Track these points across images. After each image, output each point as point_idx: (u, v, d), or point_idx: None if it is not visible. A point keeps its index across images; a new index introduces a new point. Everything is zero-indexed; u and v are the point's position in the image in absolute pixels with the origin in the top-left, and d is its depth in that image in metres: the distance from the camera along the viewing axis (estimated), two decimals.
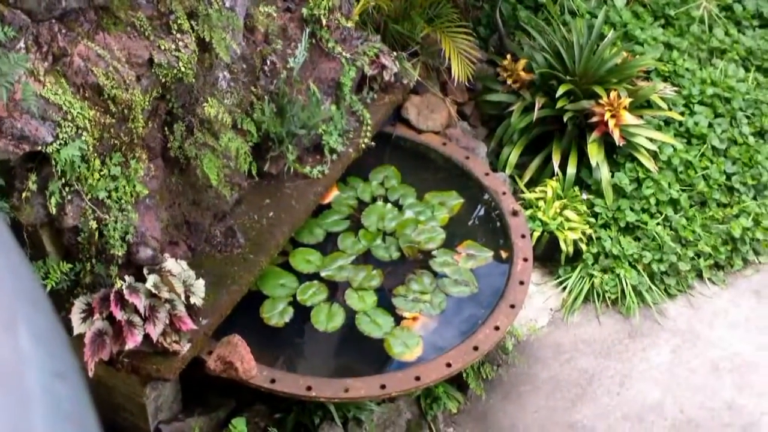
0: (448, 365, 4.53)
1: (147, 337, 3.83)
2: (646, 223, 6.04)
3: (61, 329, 0.89)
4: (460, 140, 6.02)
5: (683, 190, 6.23)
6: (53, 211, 3.52)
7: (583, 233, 5.92)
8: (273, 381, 4.32)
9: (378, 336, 4.72)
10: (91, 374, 3.73)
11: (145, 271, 3.94)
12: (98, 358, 3.76)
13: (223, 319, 4.33)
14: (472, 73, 6.05)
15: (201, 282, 4.12)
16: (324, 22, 5.14)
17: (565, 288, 5.97)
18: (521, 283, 5.01)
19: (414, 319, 4.83)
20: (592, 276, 5.94)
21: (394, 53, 5.78)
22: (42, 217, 3.59)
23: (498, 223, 5.46)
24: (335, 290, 4.93)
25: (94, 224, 3.67)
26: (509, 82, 6.40)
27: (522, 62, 6.39)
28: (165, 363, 4.00)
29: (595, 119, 6.00)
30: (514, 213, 5.42)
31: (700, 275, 6.16)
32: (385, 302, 4.89)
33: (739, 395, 5.46)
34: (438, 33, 6.02)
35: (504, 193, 5.58)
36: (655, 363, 5.63)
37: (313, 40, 5.18)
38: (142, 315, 3.82)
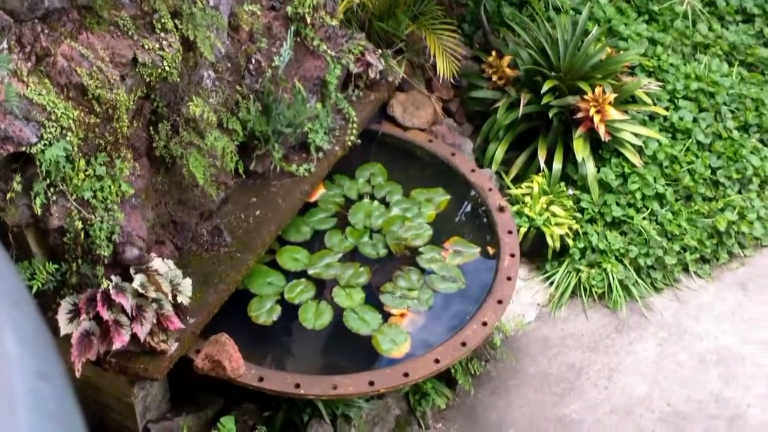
0: (437, 361, 4.54)
1: (134, 336, 3.83)
2: (632, 218, 6.06)
3: (46, 330, 0.89)
4: (446, 137, 6.03)
5: (669, 185, 6.25)
6: (38, 211, 3.51)
7: (570, 228, 5.94)
8: (261, 379, 4.32)
9: (366, 333, 4.72)
10: (78, 375, 3.72)
11: (131, 271, 3.94)
12: (85, 359, 3.75)
13: (210, 318, 4.33)
14: (457, 69, 6.06)
15: (188, 281, 4.11)
16: (309, 20, 5.14)
17: (552, 283, 5.99)
18: (508, 278, 5.03)
19: (402, 315, 4.83)
20: (578, 271, 5.96)
21: (379, 51, 5.78)
22: (27, 218, 3.58)
23: (485, 219, 5.47)
24: (323, 288, 4.93)
25: (79, 224, 3.66)
26: (494, 78, 6.41)
27: (507, 59, 6.40)
28: (153, 362, 4.00)
29: (580, 115, 6.02)
30: (501, 209, 5.43)
31: (686, 269, 6.19)
32: (372, 299, 4.90)
33: (725, 388, 5.49)
34: (423, 30, 6.02)
35: (490, 190, 5.58)
36: (642, 356, 5.66)
37: (298, 39, 5.18)
38: (129, 315, 3.82)
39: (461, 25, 6.82)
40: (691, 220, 6.18)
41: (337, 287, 4.93)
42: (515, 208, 5.91)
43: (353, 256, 5.14)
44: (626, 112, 6.24)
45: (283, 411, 4.69)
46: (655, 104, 6.52)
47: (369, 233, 5.27)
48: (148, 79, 3.86)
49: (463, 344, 4.64)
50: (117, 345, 3.78)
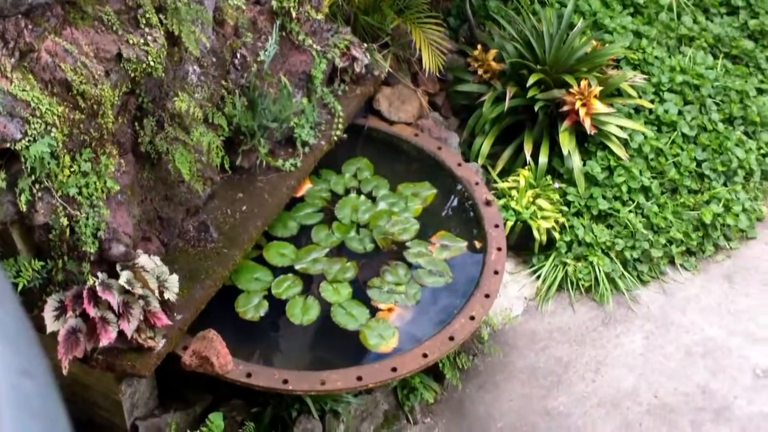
0: (424, 356, 4.54)
1: (121, 333, 3.81)
2: (618, 211, 6.08)
3: (29, 327, 0.88)
4: (432, 131, 6.03)
5: (654, 178, 6.27)
6: (23, 208, 3.49)
7: (556, 222, 5.95)
8: (249, 375, 4.31)
9: (353, 328, 4.72)
10: (65, 372, 3.70)
11: (118, 268, 3.92)
12: (72, 356, 3.74)
13: (197, 314, 4.32)
14: (442, 63, 6.06)
15: (175, 277, 4.10)
16: (294, 14, 5.13)
17: (539, 276, 6.00)
18: (495, 272, 5.03)
19: (389, 310, 4.83)
20: (565, 264, 5.97)
21: (365, 45, 5.77)
22: (12, 215, 3.56)
23: (471, 213, 5.48)
24: (310, 283, 4.93)
25: (65, 221, 3.64)
26: (480, 72, 6.41)
27: (492, 52, 6.40)
28: (140, 359, 3.99)
29: (566, 108, 6.03)
30: (487, 203, 5.44)
31: (672, 261, 6.21)
32: (360, 294, 4.90)
33: (712, 380, 5.51)
34: (408, 24, 6.02)
35: (477, 183, 5.59)
36: (629, 349, 5.68)
37: (284, 33, 5.17)
38: (116, 311, 3.80)
39: (447, 18, 6.82)
40: (677, 213, 6.20)
41: (324, 282, 4.93)
42: (502, 201, 5.91)
43: (340, 251, 5.14)
44: (612, 105, 6.25)
45: (271, 407, 4.68)
46: (640, 97, 6.53)
47: (356, 228, 5.26)
48: (132, 75, 3.84)
49: (451, 338, 4.65)
50: (104, 342, 3.76)
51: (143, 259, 4.01)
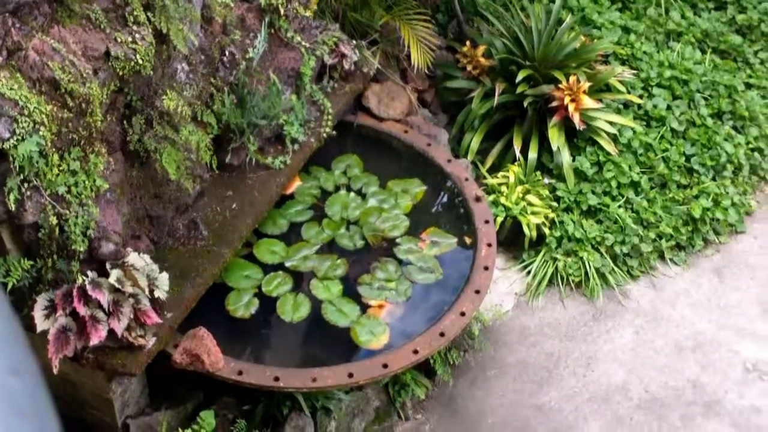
0: (415, 352, 4.55)
1: (111, 332, 3.81)
2: (607, 206, 6.09)
3: (18, 326, 0.88)
4: (422, 127, 6.03)
5: (643, 173, 6.29)
6: (12, 207, 3.48)
7: (546, 217, 5.96)
8: (240, 373, 4.31)
9: (344, 325, 4.72)
10: (55, 371, 3.69)
11: (107, 266, 3.91)
12: (63, 355, 3.73)
13: (188, 312, 4.32)
14: (431, 60, 6.06)
15: (165, 275, 4.10)
16: (282, 11, 5.12)
17: (529, 272, 6.01)
18: (486, 268, 5.04)
19: (380, 307, 4.84)
20: (555, 260, 5.98)
21: (354, 42, 5.76)
22: (1, 214, 3.55)
23: (461, 210, 5.48)
24: (300, 280, 4.93)
25: (54, 220, 3.63)
26: (469, 68, 6.41)
27: (481, 48, 6.41)
28: (130, 358, 3.98)
29: (555, 104, 6.04)
30: (477, 199, 5.44)
31: (662, 256, 6.23)
32: (350, 291, 4.90)
33: (702, 374, 5.53)
34: (397, 20, 6.02)
35: (466, 180, 5.59)
36: (620, 344, 5.69)
37: (272, 30, 5.16)
38: (106, 310, 3.80)
39: (435, 15, 6.82)
40: (666, 208, 6.22)
41: (314, 279, 4.93)
42: (491, 197, 5.92)
43: (330, 248, 5.14)
44: (601, 100, 6.26)
45: (262, 404, 4.68)
46: (629, 92, 6.55)
47: (346, 225, 5.26)
48: (121, 73, 3.84)
49: (442, 334, 4.65)
50: (94, 341, 3.76)
51: (133, 258, 4.00)
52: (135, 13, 3.89)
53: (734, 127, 6.75)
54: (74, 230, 3.71)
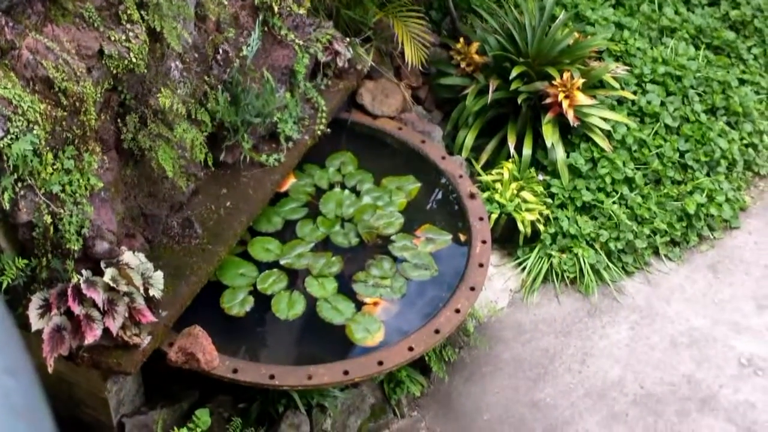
0: (410, 349, 4.55)
1: (106, 331, 3.80)
2: (602, 202, 6.09)
3: (12, 326, 0.88)
4: (416, 124, 6.03)
5: (638, 169, 6.29)
6: (6, 206, 3.47)
7: (541, 214, 5.96)
8: (235, 371, 4.31)
9: (339, 322, 4.72)
10: (50, 370, 3.69)
11: (102, 265, 3.91)
12: (57, 354, 3.73)
13: (183, 311, 4.31)
14: (425, 57, 6.06)
15: (159, 274, 4.09)
16: (276, 9, 5.11)
17: (524, 269, 6.01)
18: (480, 265, 5.04)
19: (375, 304, 4.84)
20: (550, 256, 5.98)
21: (347, 39, 5.76)
22: None
23: (456, 207, 5.48)
24: (295, 278, 4.93)
25: (48, 219, 3.63)
26: (463, 65, 6.41)
27: (475, 45, 6.40)
28: (126, 356, 3.98)
29: (549, 100, 6.04)
30: (472, 196, 5.44)
31: (656, 252, 6.23)
32: (345, 288, 4.90)
33: (697, 369, 5.54)
34: (390, 18, 6.02)
35: (461, 176, 5.59)
36: (615, 340, 5.70)
37: (266, 28, 5.16)
38: (101, 309, 3.79)
39: (429, 12, 6.82)
40: (661, 204, 6.23)
41: (309, 277, 4.93)
42: (486, 194, 5.92)
43: (325, 245, 5.14)
44: (594, 97, 6.26)
45: (258, 402, 4.68)
46: (623, 89, 6.56)
47: (340, 222, 5.26)
48: (114, 71, 3.83)
49: (437, 331, 4.66)
50: (89, 339, 3.75)
51: (128, 256, 4.00)
52: (128, 11, 3.88)
53: (728, 123, 6.76)
54: (69, 229, 3.70)
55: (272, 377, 4.31)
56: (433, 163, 5.69)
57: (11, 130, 3.37)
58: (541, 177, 6.13)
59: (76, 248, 3.76)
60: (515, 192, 5.96)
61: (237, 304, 4.73)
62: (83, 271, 3.84)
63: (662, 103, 6.60)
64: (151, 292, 4.01)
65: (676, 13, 7.37)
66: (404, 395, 5.19)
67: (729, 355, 5.64)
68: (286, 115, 5.21)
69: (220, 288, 4.78)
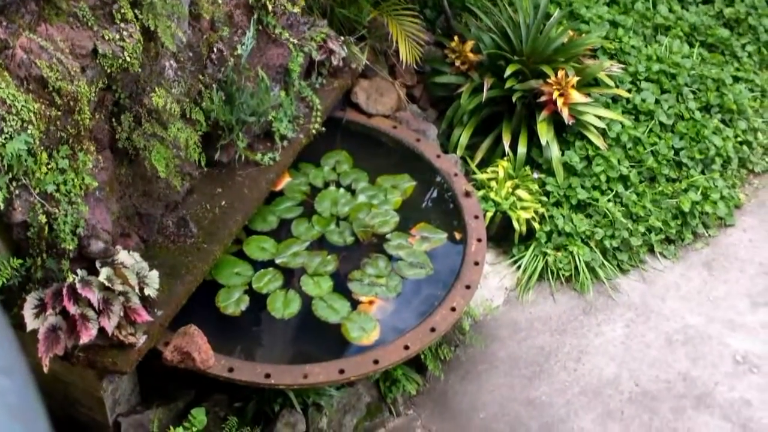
0: (406, 347, 4.55)
1: (102, 330, 3.80)
2: (597, 200, 6.10)
3: (6, 325, 0.88)
4: (411, 123, 6.03)
5: (633, 167, 6.30)
6: (1, 206, 3.46)
7: (536, 212, 5.96)
8: (231, 370, 4.31)
9: (335, 321, 4.72)
10: (46, 370, 3.68)
11: (97, 264, 3.90)
12: (53, 354, 3.72)
13: (178, 310, 4.31)
14: (420, 55, 6.06)
15: (155, 273, 4.09)
16: (270, 7, 5.11)
17: (519, 267, 6.01)
18: (476, 263, 5.04)
19: (370, 302, 4.84)
20: (545, 254, 5.98)
21: (342, 38, 5.76)
22: None
23: (451, 205, 5.48)
24: (291, 277, 4.93)
25: (43, 218, 3.62)
26: (457, 63, 6.41)
27: (469, 43, 6.41)
28: (121, 356, 3.97)
29: (543, 98, 6.04)
30: (467, 194, 5.44)
31: (651, 250, 6.24)
32: (340, 287, 4.90)
33: (693, 367, 5.55)
34: (385, 16, 6.01)
35: (456, 175, 5.60)
36: (610, 338, 5.70)
37: (260, 27, 5.15)
38: (96, 308, 3.79)
39: (423, 10, 6.81)
40: (656, 201, 6.24)
41: (305, 276, 4.92)
42: (481, 192, 5.92)
43: (320, 244, 5.14)
44: (589, 94, 6.27)
45: (254, 401, 4.68)
46: (617, 86, 6.56)
47: (336, 221, 5.26)
48: (109, 71, 3.82)
49: (432, 330, 4.66)
50: (84, 339, 3.75)
51: (123, 256, 3.99)
52: (122, 10, 3.88)
53: (722, 121, 6.77)
54: (63, 229, 3.70)
55: (268, 376, 4.30)
56: (428, 161, 5.70)
57: (5, 130, 3.36)
58: (536, 175, 6.14)
59: (71, 248, 3.75)
60: (510, 190, 5.96)
61: (232, 303, 4.73)
62: (78, 271, 3.84)
63: (657, 101, 6.61)
64: (147, 292, 4.01)
65: (671, 10, 7.38)
66: (400, 394, 5.19)
67: (724, 353, 5.65)
68: (280, 113, 5.21)
69: (215, 287, 4.78)
